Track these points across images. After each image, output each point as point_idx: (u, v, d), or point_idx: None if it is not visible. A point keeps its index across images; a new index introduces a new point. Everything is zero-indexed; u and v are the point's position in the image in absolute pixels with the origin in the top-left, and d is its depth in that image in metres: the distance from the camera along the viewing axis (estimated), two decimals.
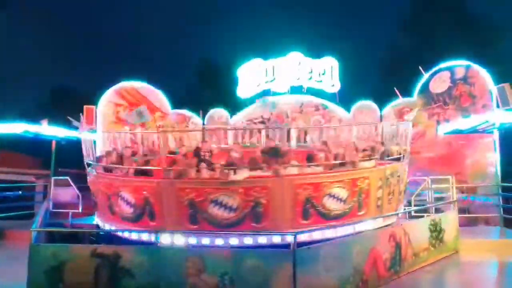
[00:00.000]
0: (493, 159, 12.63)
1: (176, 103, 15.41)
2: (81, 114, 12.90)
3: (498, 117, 11.47)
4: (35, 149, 15.91)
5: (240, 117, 14.93)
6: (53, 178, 12.29)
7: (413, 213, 10.51)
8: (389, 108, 13.94)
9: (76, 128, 12.66)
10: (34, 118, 13.61)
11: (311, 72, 14.42)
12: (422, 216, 9.83)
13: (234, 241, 7.65)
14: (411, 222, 9.44)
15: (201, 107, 15.14)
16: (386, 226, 8.63)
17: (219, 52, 31.33)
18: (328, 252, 6.76)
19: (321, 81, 14.46)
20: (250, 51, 16.79)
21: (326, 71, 14.44)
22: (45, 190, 13.40)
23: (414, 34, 27.00)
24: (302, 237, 6.91)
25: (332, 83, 14.51)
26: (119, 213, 8.61)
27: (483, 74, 13.19)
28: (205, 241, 7.71)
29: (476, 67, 13.34)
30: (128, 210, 8.41)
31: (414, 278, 7.97)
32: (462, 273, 8.61)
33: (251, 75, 14.76)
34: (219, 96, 15.80)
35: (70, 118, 12.97)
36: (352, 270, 6.91)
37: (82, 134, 10.74)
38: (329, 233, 7.87)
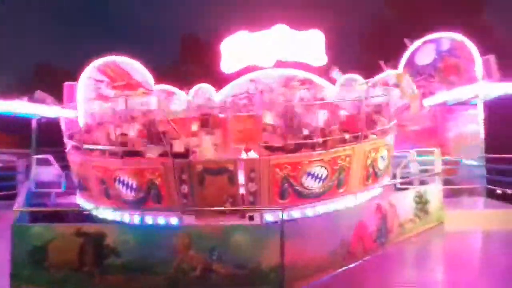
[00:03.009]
0: (477, 131, 12.71)
1: (159, 79, 15.02)
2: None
3: (483, 89, 11.49)
4: (12, 127, 15.40)
5: (225, 93, 14.68)
6: (34, 157, 12.00)
7: (398, 186, 10.59)
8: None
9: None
10: (14, 95, 13.16)
11: (296, 45, 14.14)
12: (407, 189, 9.93)
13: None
14: (397, 194, 9.53)
15: (184, 83, 14.83)
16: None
17: (203, 26, 30.68)
18: (316, 225, 6.81)
19: (306, 54, 14.21)
20: (234, 24, 16.38)
21: (312, 44, 14.18)
22: (27, 170, 13.09)
23: (399, 4, 26.71)
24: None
25: (318, 56, 14.29)
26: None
27: (469, 46, 13.11)
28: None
29: (461, 38, 13.24)
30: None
31: (400, 248, 8.10)
32: (446, 243, 8.79)
33: (234, 49, 14.42)
34: (203, 71, 15.43)
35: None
36: (339, 242, 6.96)
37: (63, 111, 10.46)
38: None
